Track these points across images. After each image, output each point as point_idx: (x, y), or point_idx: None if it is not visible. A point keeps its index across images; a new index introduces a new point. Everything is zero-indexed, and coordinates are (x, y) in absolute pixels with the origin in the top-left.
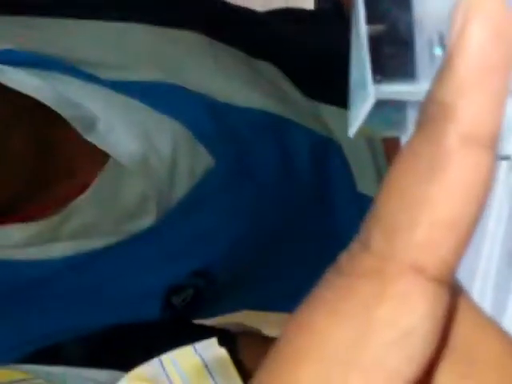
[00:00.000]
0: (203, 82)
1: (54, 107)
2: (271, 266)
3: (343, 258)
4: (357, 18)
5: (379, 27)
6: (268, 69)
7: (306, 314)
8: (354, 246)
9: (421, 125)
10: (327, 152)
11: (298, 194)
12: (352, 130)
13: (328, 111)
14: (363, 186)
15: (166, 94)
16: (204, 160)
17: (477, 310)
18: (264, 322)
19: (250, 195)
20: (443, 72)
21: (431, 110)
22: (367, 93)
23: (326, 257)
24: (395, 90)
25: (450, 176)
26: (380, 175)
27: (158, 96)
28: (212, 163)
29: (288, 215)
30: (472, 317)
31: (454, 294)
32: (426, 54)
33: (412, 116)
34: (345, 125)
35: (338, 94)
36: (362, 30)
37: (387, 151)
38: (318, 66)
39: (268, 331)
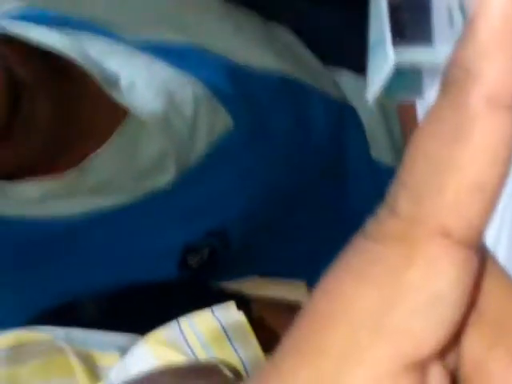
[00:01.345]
0: (222, 44)
1: (77, 62)
2: (284, 232)
3: (370, 223)
4: None
5: None
6: (284, 33)
7: (332, 281)
8: (381, 211)
9: (444, 89)
10: (343, 117)
11: (314, 158)
12: (370, 94)
13: (343, 76)
14: (377, 152)
15: (188, 54)
16: (223, 120)
17: (505, 277)
18: (276, 287)
19: (266, 157)
20: (465, 35)
21: (454, 74)
22: (386, 56)
23: (338, 222)
24: (414, 53)
25: (475, 138)
26: (393, 141)
27: (180, 56)
28: (231, 123)
29: (303, 179)
30: (500, 284)
31: (481, 259)
32: (444, 19)
33: (428, 81)
34: (360, 90)
35: (353, 59)
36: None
37: (401, 117)
38: (333, 33)
39: (280, 296)
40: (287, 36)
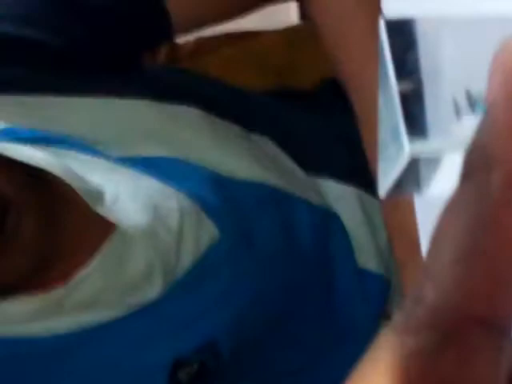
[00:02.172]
0: (204, 156)
1: (62, 178)
2: (273, 342)
3: (397, 316)
4: (385, 77)
5: (408, 84)
6: (266, 143)
7: (360, 374)
8: (407, 302)
9: (466, 175)
10: (328, 224)
11: (300, 268)
12: (383, 188)
13: (325, 183)
14: (364, 261)
15: (170, 167)
16: (209, 231)
17: None
18: None
19: (252, 268)
20: (484, 122)
21: (475, 160)
22: (402, 149)
23: (326, 331)
24: (430, 146)
25: (500, 226)
26: (379, 248)
27: (162, 169)
28: (217, 235)
29: (289, 288)
30: None
31: None
32: (449, 109)
33: (425, 175)
34: (343, 197)
35: (336, 169)
36: (392, 87)
37: (386, 220)
38: (315, 141)
39: None
40: (269, 146)
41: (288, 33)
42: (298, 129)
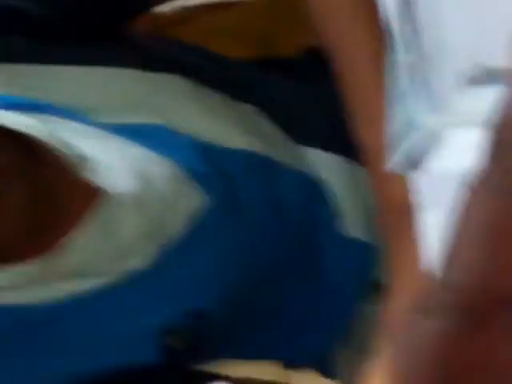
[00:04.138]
0: (191, 124)
1: (50, 145)
2: (263, 310)
3: (421, 298)
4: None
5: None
6: (252, 111)
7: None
8: (431, 284)
9: (493, 153)
10: (315, 194)
11: (287, 235)
12: (392, 163)
13: (312, 154)
14: (351, 228)
15: (157, 135)
16: (198, 198)
17: None
18: (253, 368)
19: (242, 236)
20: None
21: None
22: (412, 124)
23: (315, 298)
24: (439, 120)
25: None
26: (367, 217)
27: (149, 137)
28: (206, 202)
29: (278, 256)
30: None
31: None
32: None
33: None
34: (329, 166)
35: (321, 137)
36: (402, 61)
37: (375, 189)
38: (299, 109)
39: (258, 377)
40: (255, 114)
41: (268, 1)
42: (283, 97)
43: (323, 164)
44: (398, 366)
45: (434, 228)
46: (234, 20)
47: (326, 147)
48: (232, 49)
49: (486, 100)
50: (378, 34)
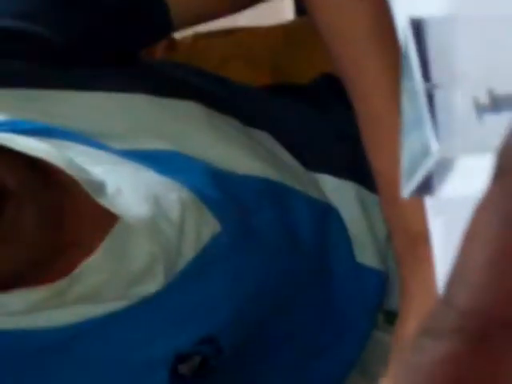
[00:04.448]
0: (204, 151)
1: (63, 170)
2: (273, 338)
3: (427, 319)
4: (408, 77)
5: (431, 84)
6: (265, 138)
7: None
8: (437, 306)
9: (497, 175)
10: (327, 220)
11: (299, 262)
12: (408, 189)
13: (325, 180)
14: (361, 256)
15: (170, 160)
16: (210, 224)
17: None
18: None
19: (254, 262)
20: None
21: (506, 160)
22: (429, 151)
23: (323, 328)
24: (453, 147)
25: None
26: (377, 243)
27: (162, 163)
28: (218, 228)
29: (289, 282)
30: None
31: None
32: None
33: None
34: (341, 192)
35: (334, 164)
36: (418, 87)
37: (386, 216)
38: (313, 136)
39: None
40: (268, 140)
41: (284, 28)
42: (297, 125)
43: (335, 190)
44: None
45: (447, 256)
46: (250, 46)
47: (338, 174)
48: (247, 75)
49: (498, 127)
50: (391, 62)
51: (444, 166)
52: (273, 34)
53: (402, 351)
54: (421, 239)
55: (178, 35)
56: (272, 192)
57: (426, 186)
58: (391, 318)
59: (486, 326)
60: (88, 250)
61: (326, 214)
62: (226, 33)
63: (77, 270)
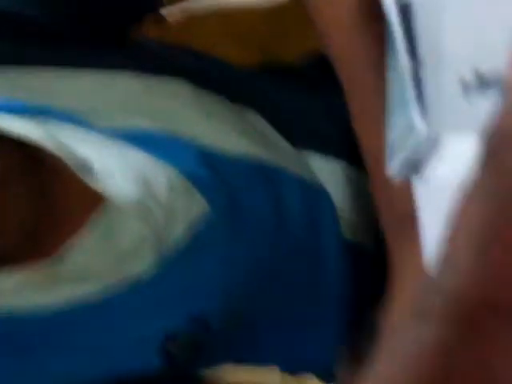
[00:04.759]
0: (194, 130)
1: (50, 150)
2: (263, 317)
3: (416, 302)
4: (393, 56)
5: (415, 63)
6: (254, 117)
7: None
8: (426, 287)
9: (485, 158)
10: (317, 200)
11: (289, 241)
12: (395, 167)
13: (314, 160)
14: (352, 235)
15: (160, 141)
16: (199, 205)
17: None
18: (252, 374)
19: (243, 241)
20: (505, 104)
21: (495, 142)
22: (414, 130)
23: (313, 307)
24: (438, 126)
25: None
26: (369, 224)
27: (152, 143)
28: (207, 209)
29: (278, 264)
30: None
31: None
32: (458, 90)
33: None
34: (330, 171)
35: (323, 144)
36: (403, 66)
37: (376, 195)
38: (302, 116)
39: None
40: (257, 120)
41: (272, 7)
42: (285, 103)
43: (325, 169)
44: (387, 372)
45: (433, 234)
46: (237, 24)
47: (328, 152)
48: (235, 54)
49: (484, 106)
50: (378, 40)
51: (430, 145)
52: (261, 12)
53: (391, 332)
54: (408, 219)
55: (165, 12)
56: (261, 172)
57: (412, 166)
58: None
59: (474, 311)
60: (76, 231)
61: (316, 193)
62: (214, 11)
63: (64, 251)
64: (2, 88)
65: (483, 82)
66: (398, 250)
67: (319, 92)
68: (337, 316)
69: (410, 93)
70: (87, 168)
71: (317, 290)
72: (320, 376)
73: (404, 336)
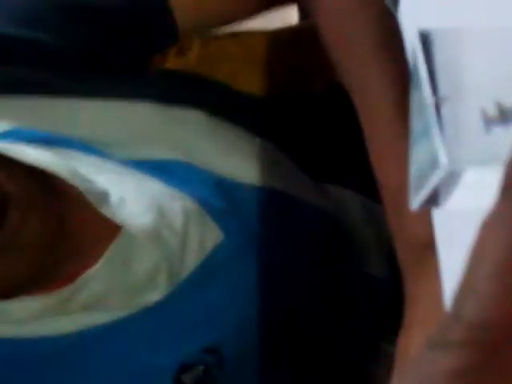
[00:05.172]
0: (209, 160)
1: (66, 179)
2: (276, 350)
3: (436, 332)
4: (417, 89)
5: (439, 97)
6: (270, 147)
7: None
8: (447, 318)
9: (505, 188)
10: (332, 230)
11: (303, 270)
12: (417, 200)
13: (331, 190)
14: (367, 265)
15: (175, 170)
16: (214, 234)
17: None
18: None
19: (257, 272)
20: None
21: None
22: (438, 163)
23: (327, 338)
24: (462, 159)
25: None
26: (384, 253)
27: (167, 172)
28: (221, 237)
29: (292, 294)
30: None
31: None
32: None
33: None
34: (348, 204)
35: (341, 175)
36: (426, 100)
37: (391, 227)
38: (320, 147)
39: None
40: (274, 150)
41: (293, 32)
42: (302, 133)
43: (343, 201)
44: None
45: (453, 267)
46: (256, 50)
47: (345, 184)
48: (257, 83)
49: (506, 139)
50: (399, 76)
51: (451, 178)
52: (282, 38)
53: (409, 362)
54: (426, 248)
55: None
56: (276, 202)
57: (433, 198)
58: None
59: (495, 339)
60: (91, 260)
61: (331, 223)
62: (234, 36)
63: (80, 279)
64: (19, 118)
65: (505, 115)
66: (414, 280)
67: (339, 123)
68: (356, 344)
69: (434, 126)
70: (102, 197)
71: (335, 319)
72: None
73: (427, 365)
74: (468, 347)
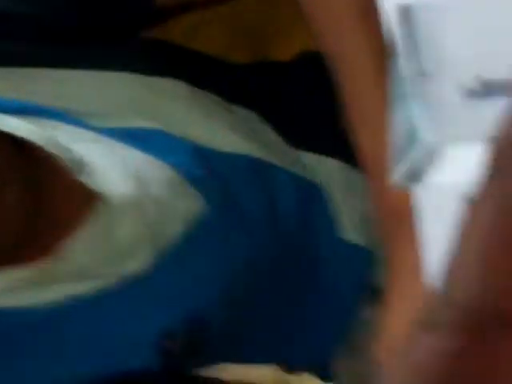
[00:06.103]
0: (188, 129)
1: (45, 148)
2: (259, 316)
3: (424, 313)
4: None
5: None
6: (249, 115)
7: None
8: (435, 299)
9: (493, 168)
10: (312, 197)
11: (284, 237)
12: (399, 174)
13: (310, 158)
14: (347, 232)
15: (154, 138)
16: (195, 203)
17: None
18: (251, 372)
19: (240, 241)
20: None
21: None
22: (419, 137)
23: (311, 304)
24: (442, 134)
25: None
26: (363, 222)
27: (146, 141)
28: (203, 206)
29: (274, 260)
30: None
31: None
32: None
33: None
34: (327, 171)
35: (319, 142)
36: (406, 75)
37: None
38: (297, 114)
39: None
40: (252, 118)
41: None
42: (279, 101)
43: (320, 167)
44: (399, 381)
45: (434, 243)
46: (227, 16)
47: (323, 151)
48: (229, 53)
49: (486, 113)
50: (379, 46)
51: (432, 154)
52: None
53: (396, 341)
54: (405, 220)
55: None
56: (255, 169)
57: (414, 173)
58: (376, 292)
59: (483, 320)
60: (72, 229)
61: (311, 190)
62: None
63: (60, 250)
64: (3, 88)
65: (487, 90)
66: (394, 252)
67: (313, 91)
68: (335, 314)
69: (413, 101)
70: (81, 166)
71: (314, 288)
72: (318, 373)
73: (415, 346)
74: (456, 329)
